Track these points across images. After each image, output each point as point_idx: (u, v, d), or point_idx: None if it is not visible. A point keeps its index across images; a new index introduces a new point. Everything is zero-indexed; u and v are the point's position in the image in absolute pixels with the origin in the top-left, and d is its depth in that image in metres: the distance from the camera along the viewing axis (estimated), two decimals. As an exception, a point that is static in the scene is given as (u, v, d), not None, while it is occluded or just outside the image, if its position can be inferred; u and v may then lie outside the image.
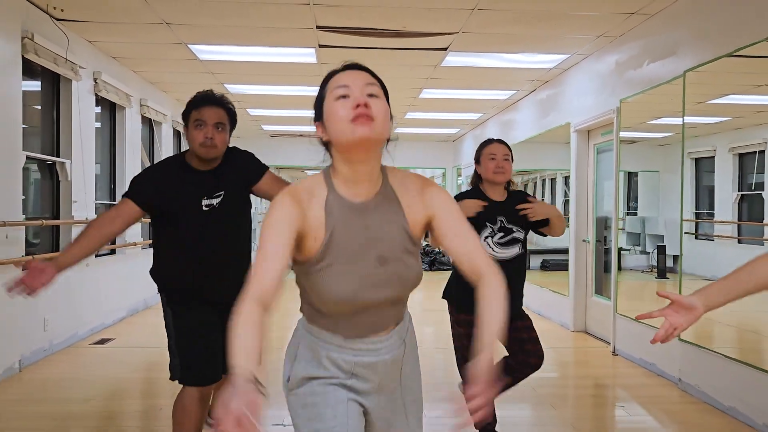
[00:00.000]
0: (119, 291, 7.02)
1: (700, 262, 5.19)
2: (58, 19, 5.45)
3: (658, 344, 4.11)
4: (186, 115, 2.70)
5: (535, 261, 9.58)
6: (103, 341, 6.05)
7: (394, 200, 1.52)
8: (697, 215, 5.80)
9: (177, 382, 2.79)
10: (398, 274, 1.50)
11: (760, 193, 4.92)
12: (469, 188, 3.33)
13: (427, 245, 12.22)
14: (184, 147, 11.67)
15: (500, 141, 3.26)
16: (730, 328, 4.90)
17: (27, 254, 5.15)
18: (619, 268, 6.41)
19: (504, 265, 2.21)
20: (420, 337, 1.85)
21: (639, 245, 7.30)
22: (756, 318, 4.72)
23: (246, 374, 1.19)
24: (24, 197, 5.24)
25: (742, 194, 5.26)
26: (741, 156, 5.28)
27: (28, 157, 5.12)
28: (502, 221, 3.12)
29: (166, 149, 8.78)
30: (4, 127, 4.62)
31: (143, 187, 2.70)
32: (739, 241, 5.39)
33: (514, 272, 3.00)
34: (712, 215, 5.67)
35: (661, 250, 6.72)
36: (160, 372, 5.21)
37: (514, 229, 3.13)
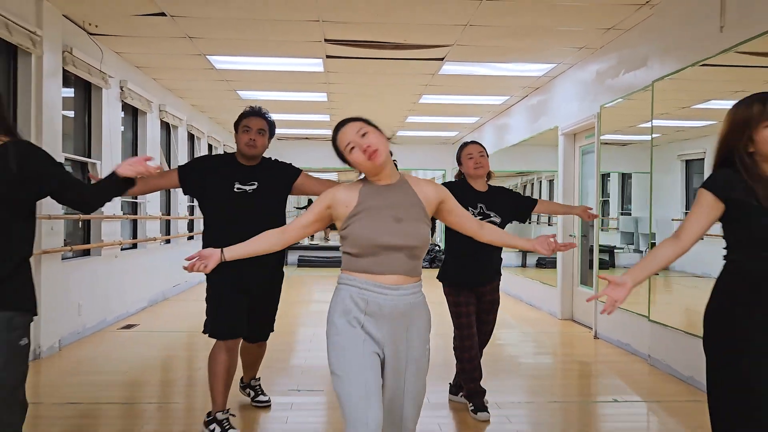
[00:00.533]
0: (141, 284, 7.61)
1: (691, 259, 5.61)
2: (92, 34, 6.04)
3: (633, 326, 4.83)
4: (237, 124, 3.46)
5: (531, 259, 10.07)
6: (128, 326, 6.63)
7: (409, 187, 2.26)
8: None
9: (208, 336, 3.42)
10: (408, 230, 2.17)
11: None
12: (457, 179, 3.93)
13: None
14: (197, 148, 12.03)
15: (474, 142, 3.91)
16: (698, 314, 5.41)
17: (65, 245, 5.73)
18: (614, 265, 6.87)
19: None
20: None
21: (632, 244, 7.73)
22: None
23: (223, 250, 2.21)
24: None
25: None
26: (729, 158, 5.69)
27: (65, 158, 5.69)
28: (482, 207, 3.74)
29: (181, 151, 9.30)
30: (48, 132, 5.19)
31: (192, 168, 3.53)
32: (727, 239, 5.80)
33: (490, 248, 3.53)
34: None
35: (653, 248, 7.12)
36: (179, 351, 5.83)
37: (491, 215, 3.72)
